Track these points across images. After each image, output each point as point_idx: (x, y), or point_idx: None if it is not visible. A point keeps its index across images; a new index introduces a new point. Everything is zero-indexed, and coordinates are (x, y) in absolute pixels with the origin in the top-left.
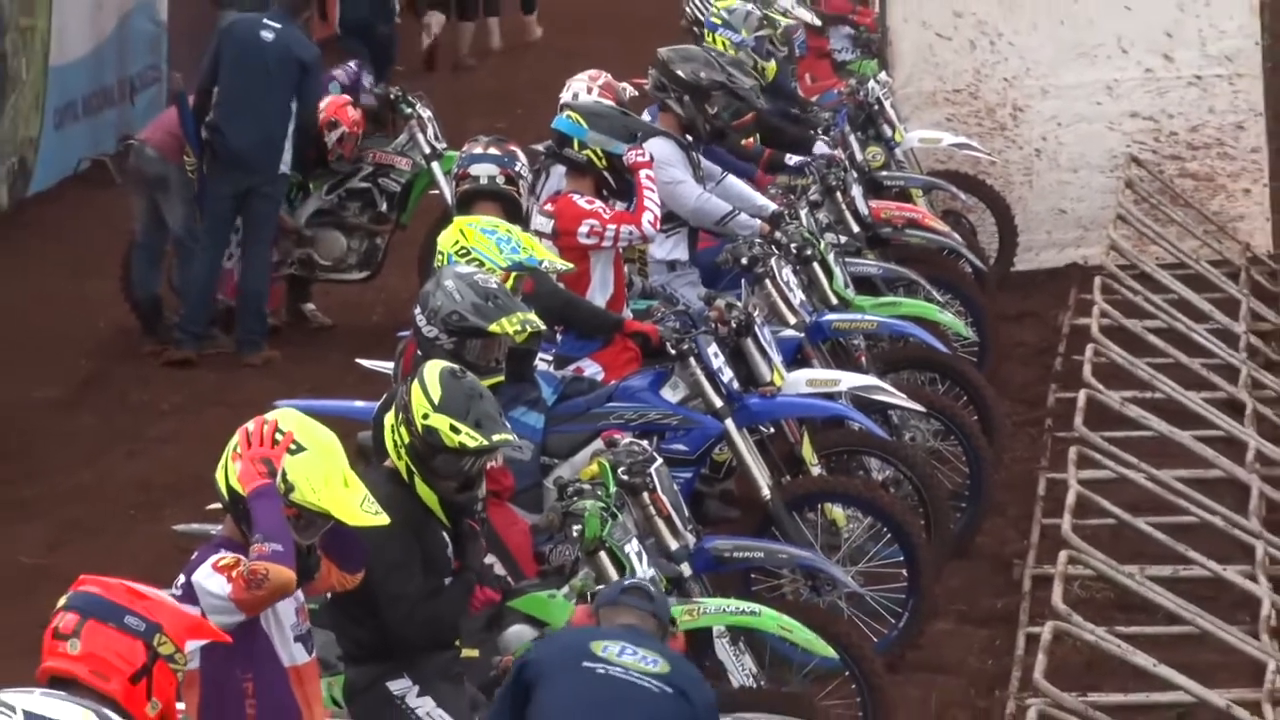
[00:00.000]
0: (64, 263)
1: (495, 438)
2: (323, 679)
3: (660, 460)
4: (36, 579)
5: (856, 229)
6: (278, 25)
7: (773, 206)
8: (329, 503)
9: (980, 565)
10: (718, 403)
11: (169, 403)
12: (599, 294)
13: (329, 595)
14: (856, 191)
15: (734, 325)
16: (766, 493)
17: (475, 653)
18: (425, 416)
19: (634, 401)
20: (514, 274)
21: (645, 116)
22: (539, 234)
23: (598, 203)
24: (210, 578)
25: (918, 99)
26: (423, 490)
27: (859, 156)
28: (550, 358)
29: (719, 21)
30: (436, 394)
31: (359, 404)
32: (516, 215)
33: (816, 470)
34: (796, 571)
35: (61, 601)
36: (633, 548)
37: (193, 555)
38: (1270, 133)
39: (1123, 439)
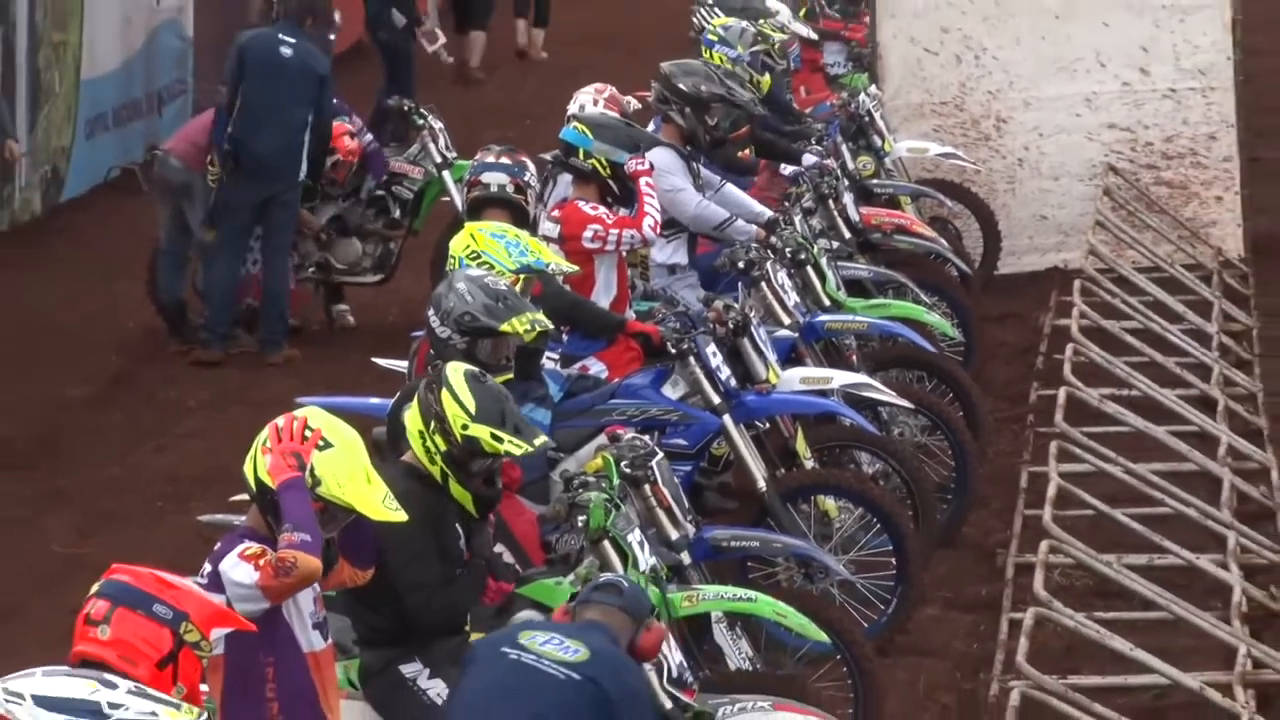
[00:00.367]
0: (94, 266)
1: (536, 442)
2: (338, 662)
3: (661, 454)
4: (69, 567)
5: (848, 234)
6: (294, 40)
7: (768, 213)
8: (353, 498)
9: (965, 554)
10: (716, 400)
11: (195, 400)
12: (603, 296)
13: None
14: (848, 199)
15: (731, 326)
16: (762, 485)
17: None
18: (465, 427)
19: (636, 398)
20: (522, 276)
21: (650, 127)
22: (546, 238)
23: (601, 209)
24: (237, 566)
25: (906, 111)
26: (456, 490)
27: (850, 165)
28: (557, 356)
29: (715, 38)
30: (471, 404)
31: (374, 400)
32: (524, 221)
33: (810, 464)
34: (791, 560)
35: (94, 589)
36: (635, 537)
37: (217, 545)
38: (1241, 143)
39: (1101, 434)
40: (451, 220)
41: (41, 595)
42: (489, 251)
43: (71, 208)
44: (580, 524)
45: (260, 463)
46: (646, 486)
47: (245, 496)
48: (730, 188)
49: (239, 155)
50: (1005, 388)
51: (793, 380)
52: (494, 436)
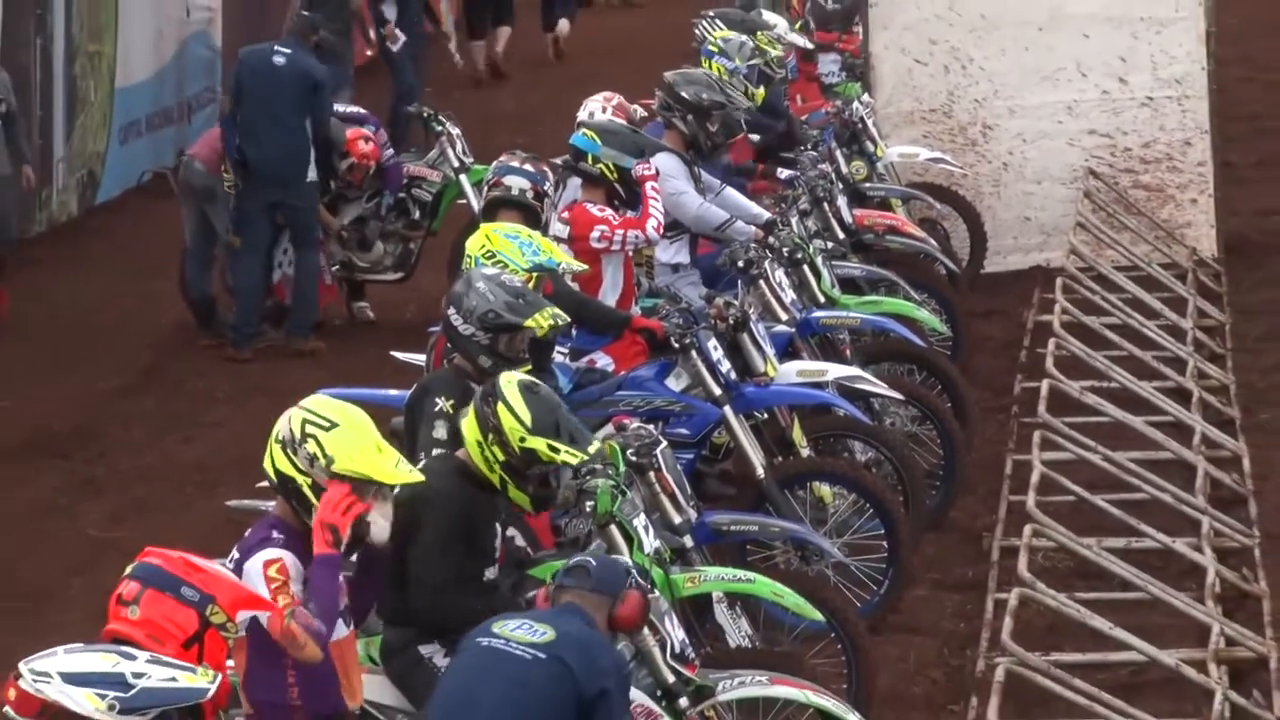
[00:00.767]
0: (128, 265)
1: (591, 449)
2: (360, 639)
3: (665, 443)
4: (102, 550)
5: (842, 235)
6: (288, 50)
7: (766, 215)
8: (367, 467)
9: (953, 537)
10: (717, 391)
11: (222, 391)
12: (610, 293)
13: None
14: (842, 201)
15: (731, 321)
16: (761, 472)
17: None
18: (522, 440)
19: (641, 390)
20: (535, 275)
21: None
22: (556, 239)
23: (609, 211)
24: (258, 582)
25: (897, 118)
26: (515, 494)
27: (844, 169)
28: (566, 350)
29: (715, 49)
30: (526, 416)
31: (393, 392)
32: (536, 224)
33: (806, 452)
34: (788, 543)
35: (127, 571)
36: (640, 521)
37: (247, 532)
38: (1215, 148)
39: (1082, 424)
40: (468, 221)
41: (77, 577)
42: (504, 251)
43: (106, 210)
44: (588, 509)
45: (277, 455)
46: (651, 474)
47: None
48: (730, 190)
49: (247, 163)
50: (991, 380)
51: (790, 373)
52: (550, 447)
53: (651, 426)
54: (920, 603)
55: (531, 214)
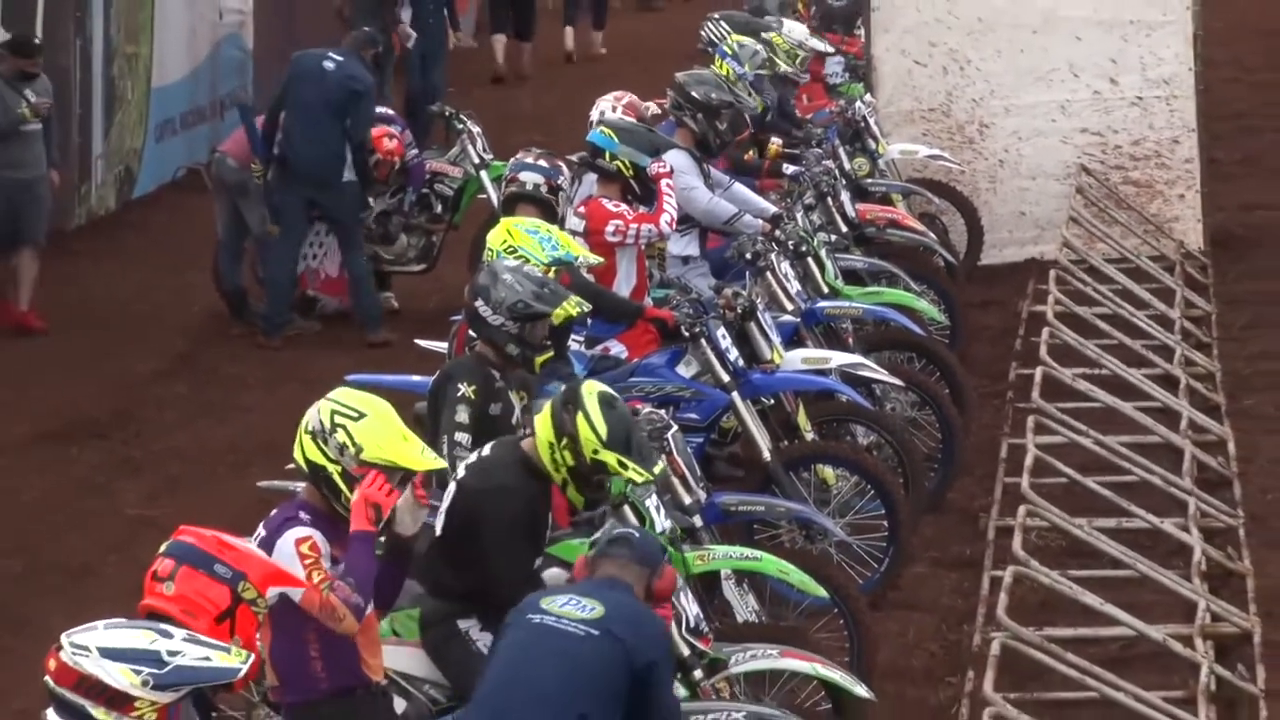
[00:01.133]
0: (163, 258)
1: (656, 470)
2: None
3: (676, 427)
4: (138, 528)
5: (845, 229)
6: (339, 58)
7: (773, 209)
8: (394, 455)
9: (951, 518)
10: (725, 378)
11: (253, 377)
12: (624, 285)
13: (435, 535)
14: (845, 196)
15: (739, 311)
16: (767, 455)
17: None
18: (595, 452)
19: (653, 376)
20: (553, 268)
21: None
22: (573, 233)
23: (623, 206)
24: (290, 560)
25: (898, 117)
26: (573, 495)
27: (847, 166)
28: (582, 339)
29: (730, 52)
30: (603, 430)
31: (416, 378)
32: (552, 217)
33: (810, 436)
34: (793, 523)
35: (162, 548)
36: (652, 502)
37: (272, 512)
38: (1201, 146)
39: (1074, 409)
40: (488, 216)
41: (114, 554)
42: (524, 245)
43: (142, 204)
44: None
45: (307, 445)
46: (662, 457)
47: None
48: (738, 186)
49: (286, 159)
50: (987, 367)
51: (795, 360)
52: (620, 463)
53: (663, 411)
54: (919, 580)
55: (547, 208)
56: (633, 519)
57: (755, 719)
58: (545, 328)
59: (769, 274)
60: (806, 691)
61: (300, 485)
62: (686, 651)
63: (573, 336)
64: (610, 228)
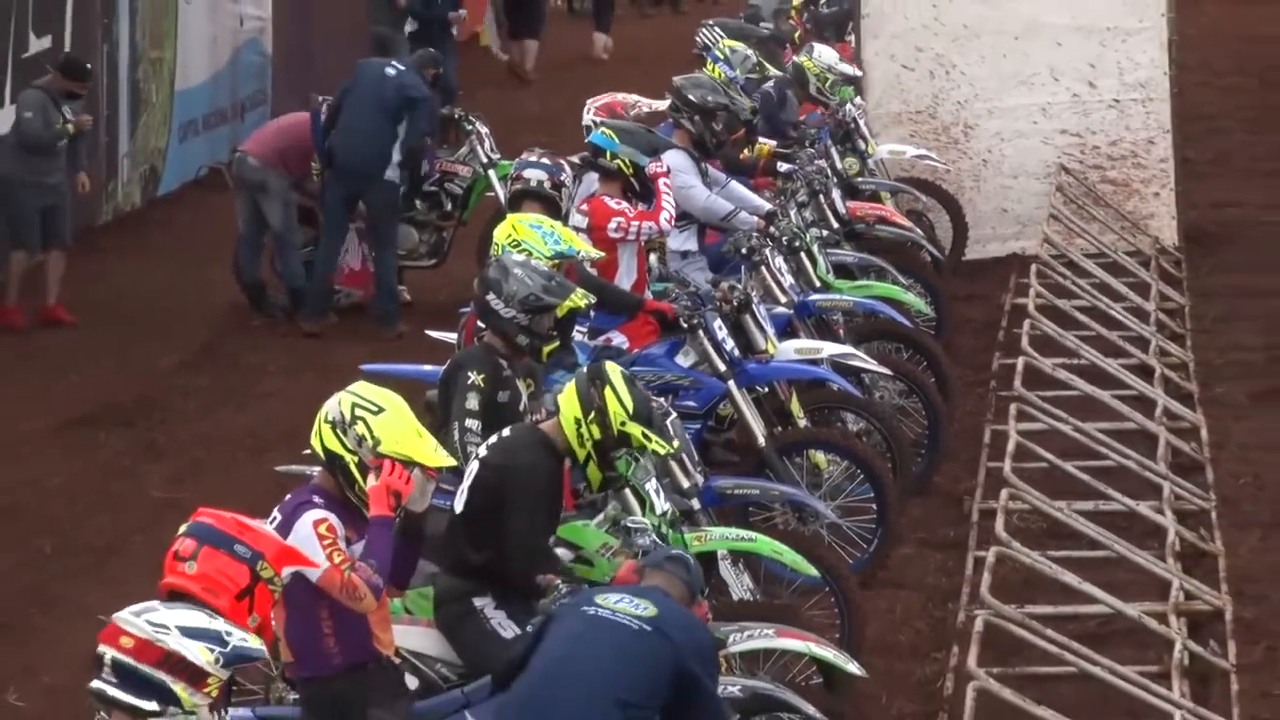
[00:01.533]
0: (186, 252)
1: (674, 444)
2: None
3: (675, 414)
4: (163, 510)
5: (836, 225)
6: (401, 67)
7: (768, 206)
8: (410, 450)
9: (936, 500)
10: (722, 367)
11: (273, 366)
12: (625, 278)
13: (459, 510)
14: (836, 194)
15: (735, 304)
16: (761, 441)
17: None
18: (623, 424)
19: (653, 366)
20: (557, 262)
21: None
22: (576, 229)
23: (624, 203)
24: (308, 540)
25: (886, 119)
26: (592, 471)
27: (838, 165)
28: (585, 330)
29: (722, 56)
30: (629, 403)
31: (428, 368)
32: (556, 213)
33: (803, 423)
34: (786, 505)
35: (182, 529)
36: (652, 485)
37: (287, 496)
38: (1175, 146)
39: (1054, 397)
40: (495, 212)
41: (141, 534)
42: (529, 240)
43: (166, 201)
44: None
45: (326, 434)
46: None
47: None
48: (734, 184)
49: (335, 156)
50: (971, 357)
51: (788, 351)
52: (644, 435)
53: (662, 399)
54: (906, 560)
55: (551, 204)
56: (633, 501)
57: (750, 693)
58: (552, 319)
59: (763, 268)
60: (799, 666)
61: (316, 470)
62: None
63: (577, 328)
64: (612, 224)
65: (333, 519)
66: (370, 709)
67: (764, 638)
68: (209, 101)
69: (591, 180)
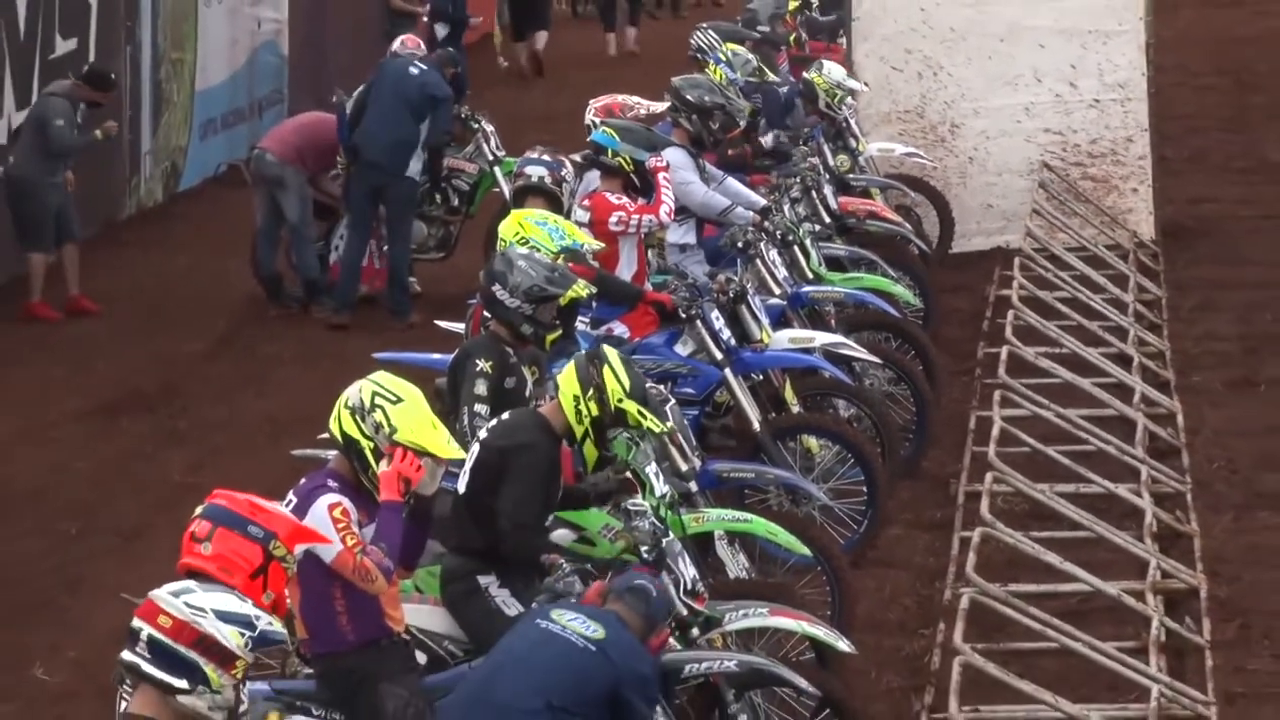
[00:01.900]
0: (206, 246)
1: (668, 425)
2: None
3: (673, 400)
4: (184, 493)
5: (828, 220)
6: (424, 67)
7: (763, 201)
8: (424, 440)
9: (924, 483)
10: (718, 356)
11: (289, 355)
12: (625, 270)
13: (461, 491)
14: (828, 190)
15: (731, 295)
16: (757, 426)
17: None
18: (620, 400)
19: (653, 354)
20: (561, 255)
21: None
22: (579, 224)
23: (625, 198)
24: (323, 523)
25: (876, 118)
26: (589, 449)
27: (830, 163)
28: (587, 320)
29: (724, 58)
30: (626, 381)
31: (437, 356)
32: (558, 208)
33: (796, 409)
34: (780, 488)
35: (198, 511)
36: (651, 469)
37: (302, 480)
38: (1153, 145)
39: (1036, 385)
40: (500, 208)
41: (163, 516)
42: (534, 236)
43: (187, 197)
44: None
45: (345, 419)
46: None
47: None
48: (731, 181)
49: (359, 151)
50: (957, 346)
51: (782, 340)
52: (640, 412)
53: (661, 386)
54: (895, 540)
55: (553, 199)
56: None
57: (746, 667)
58: (555, 309)
59: (759, 261)
60: (792, 642)
61: (330, 453)
62: (684, 611)
63: (579, 317)
64: (613, 218)
65: (346, 503)
66: (382, 683)
67: (758, 617)
68: (228, 101)
69: (593, 177)
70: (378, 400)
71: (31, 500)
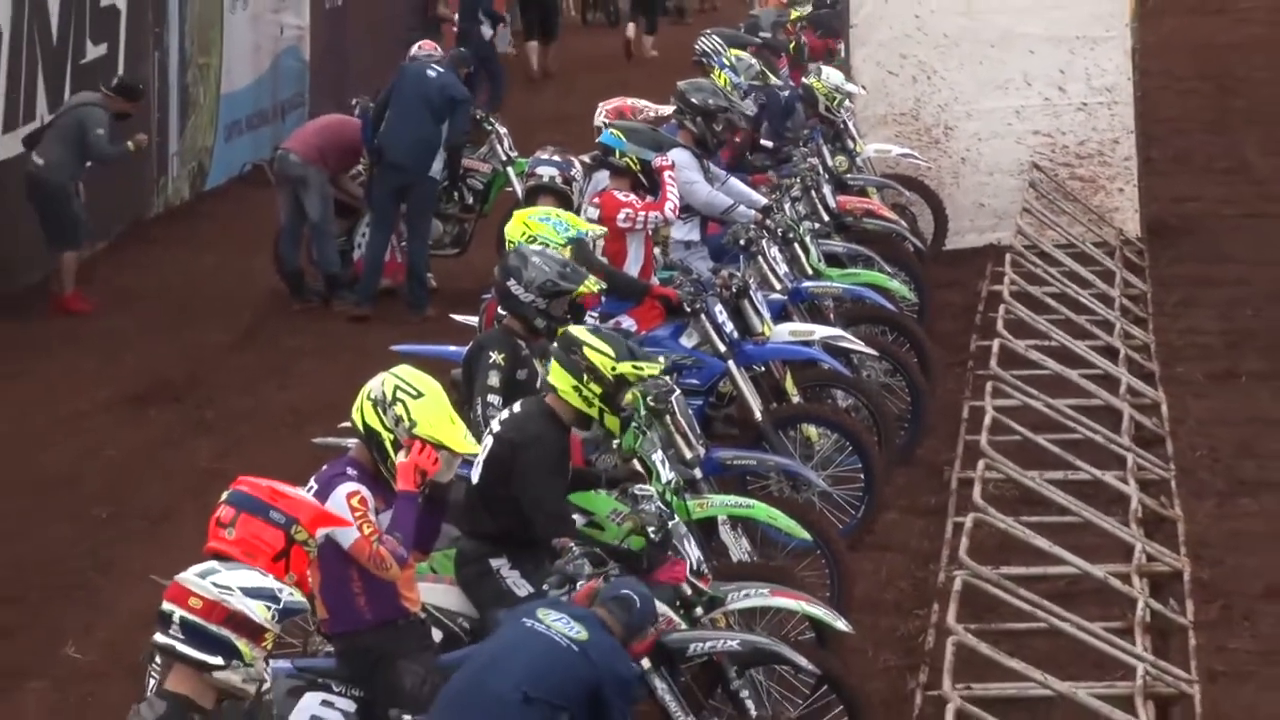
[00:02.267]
0: (231, 243)
1: (660, 365)
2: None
3: (679, 391)
4: (210, 479)
5: (827, 218)
6: (441, 70)
7: (764, 200)
8: (442, 435)
9: (919, 470)
10: (722, 348)
11: (310, 347)
12: (633, 266)
13: (475, 481)
14: (827, 189)
15: (734, 290)
16: (758, 416)
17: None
18: (613, 369)
19: (659, 347)
20: (570, 245)
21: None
22: (589, 221)
23: (632, 196)
24: (342, 511)
25: (873, 120)
26: (610, 421)
27: (829, 163)
28: (596, 314)
29: (728, 63)
30: (609, 350)
31: (452, 348)
32: (568, 206)
33: (796, 399)
34: (781, 475)
35: (223, 497)
36: (658, 456)
37: (324, 467)
38: (1138, 146)
39: (1026, 376)
40: (513, 206)
41: (190, 501)
42: (540, 233)
43: (213, 196)
44: (615, 446)
45: (367, 410)
46: (667, 417)
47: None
48: (734, 180)
49: (384, 152)
50: (951, 339)
51: (783, 333)
52: (635, 368)
53: (668, 377)
54: (891, 525)
55: (564, 197)
56: (641, 471)
57: (748, 645)
58: (567, 303)
59: (760, 257)
60: (793, 622)
61: (351, 442)
62: (689, 591)
63: (589, 311)
64: (621, 215)
65: (365, 492)
66: (399, 661)
67: (760, 596)
68: (252, 103)
69: (603, 177)
70: (399, 394)
71: (64, 486)
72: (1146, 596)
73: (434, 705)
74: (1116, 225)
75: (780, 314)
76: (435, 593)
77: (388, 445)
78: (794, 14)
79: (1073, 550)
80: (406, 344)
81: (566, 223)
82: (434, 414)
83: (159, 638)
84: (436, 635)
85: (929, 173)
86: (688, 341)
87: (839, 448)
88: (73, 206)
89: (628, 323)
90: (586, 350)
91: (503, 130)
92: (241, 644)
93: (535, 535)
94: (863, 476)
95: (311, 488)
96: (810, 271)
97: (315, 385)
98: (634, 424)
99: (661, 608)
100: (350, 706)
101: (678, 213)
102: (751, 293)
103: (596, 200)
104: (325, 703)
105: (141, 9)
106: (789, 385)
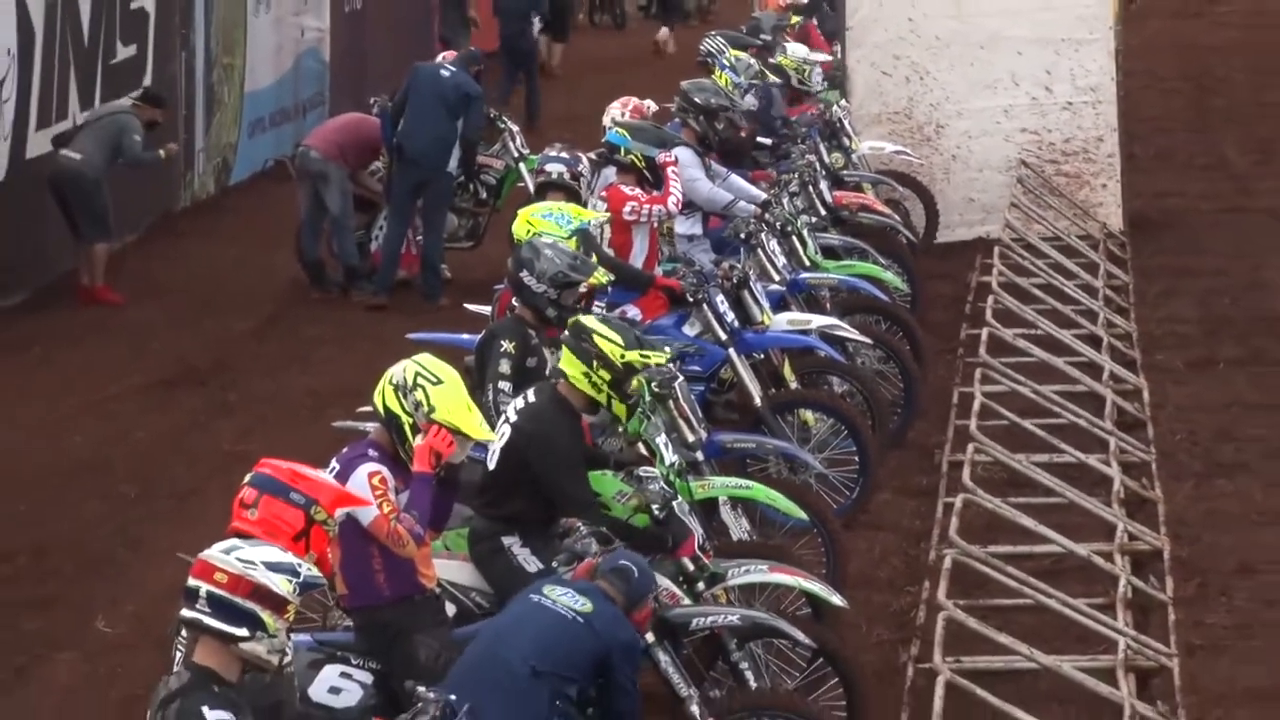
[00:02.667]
0: (255, 235)
1: (666, 353)
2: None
3: (681, 377)
4: (233, 462)
5: (824, 212)
6: (454, 69)
7: (763, 196)
8: (459, 421)
9: (911, 453)
10: (723, 336)
11: (330, 335)
12: (638, 258)
13: (491, 467)
14: (824, 185)
15: (735, 281)
16: (758, 401)
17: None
18: (622, 356)
19: (663, 335)
20: (575, 236)
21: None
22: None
23: (638, 190)
24: (363, 490)
25: (868, 119)
26: (618, 407)
27: (826, 160)
28: (603, 304)
29: (728, 63)
30: (618, 338)
31: (466, 336)
32: (576, 200)
33: (794, 385)
34: (779, 458)
35: (246, 479)
36: (661, 440)
37: (344, 449)
38: (1122, 144)
39: (1014, 363)
40: (524, 201)
41: (214, 482)
42: (546, 230)
43: (237, 190)
44: (620, 430)
45: (388, 394)
46: (670, 402)
47: (369, 408)
48: (734, 177)
49: (403, 150)
50: (942, 328)
51: (781, 322)
52: (643, 355)
53: (671, 365)
54: (884, 505)
55: (572, 192)
56: (645, 453)
57: (748, 620)
58: (577, 294)
59: (760, 250)
60: (790, 598)
61: (369, 425)
62: (691, 567)
63: (596, 301)
64: (627, 208)
65: (385, 472)
66: (415, 635)
67: (759, 573)
68: (274, 102)
69: (610, 172)
70: (420, 380)
71: (94, 467)
72: (1128, 574)
73: (447, 678)
74: (1100, 219)
75: (779, 304)
76: (450, 568)
77: (406, 429)
78: (793, 19)
79: (1058, 529)
80: (422, 332)
81: (569, 216)
82: (452, 400)
83: (186, 612)
84: (451, 610)
85: (921, 169)
86: (690, 330)
87: (835, 431)
88: (104, 198)
89: (633, 312)
90: (596, 338)
91: (514, 128)
92: (266, 616)
93: (550, 517)
94: (857, 459)
95: (334, 468)
96: (808, 263)
97: (334, 371)
98: (639, 409)
99: (665, 582)
100: (368, 678)
101: (680, 205)
102: (751, 284)
103: (603, 194)
104: (344, 674)
105: (169, 11)
106: (787, 372)
